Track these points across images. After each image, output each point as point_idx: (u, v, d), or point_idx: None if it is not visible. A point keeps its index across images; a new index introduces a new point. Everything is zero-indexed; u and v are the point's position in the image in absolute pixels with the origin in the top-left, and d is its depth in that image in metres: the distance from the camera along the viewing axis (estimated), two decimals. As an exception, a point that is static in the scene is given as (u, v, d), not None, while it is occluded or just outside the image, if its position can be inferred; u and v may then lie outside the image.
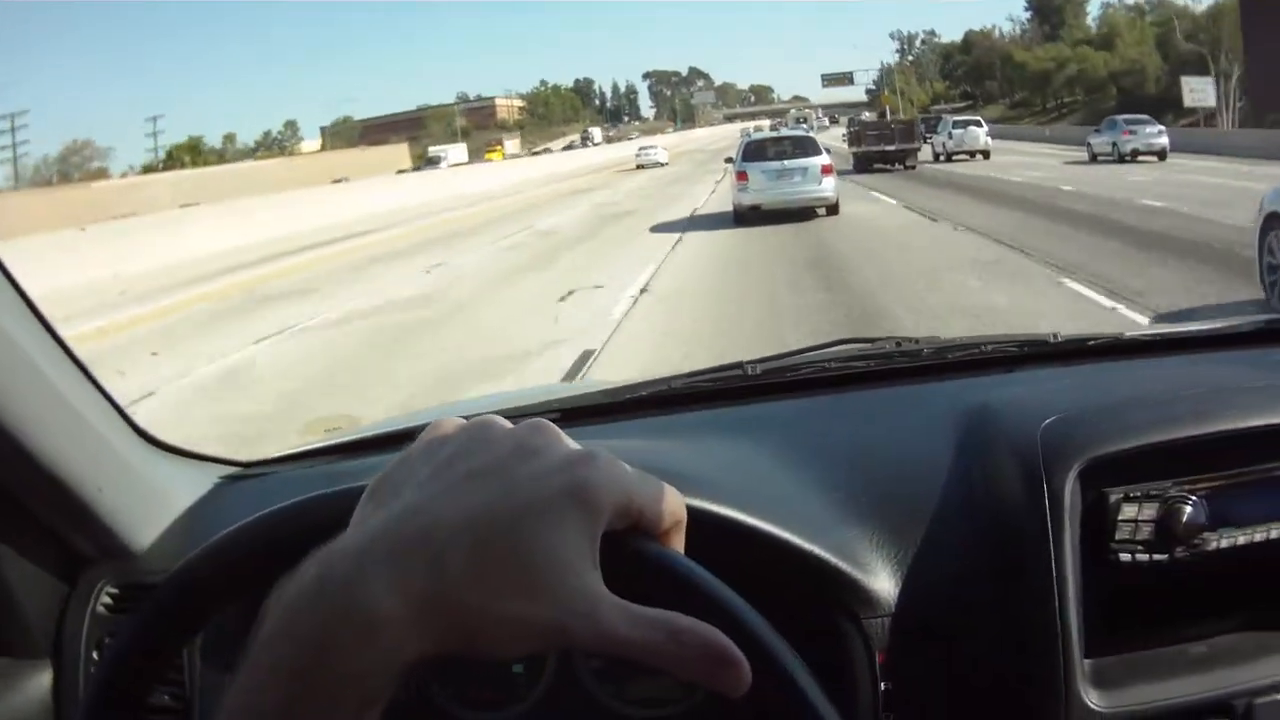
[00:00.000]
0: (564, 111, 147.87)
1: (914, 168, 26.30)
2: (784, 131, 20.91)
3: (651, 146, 49.81)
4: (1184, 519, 0.83)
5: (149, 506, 1.02)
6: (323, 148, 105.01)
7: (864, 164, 27.15)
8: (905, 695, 0.82)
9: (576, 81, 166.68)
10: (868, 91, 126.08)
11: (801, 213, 14.10)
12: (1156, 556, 0.83)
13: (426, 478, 0.41)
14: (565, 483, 0.39)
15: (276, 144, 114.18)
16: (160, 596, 0.53)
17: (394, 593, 0.37)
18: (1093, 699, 0.80)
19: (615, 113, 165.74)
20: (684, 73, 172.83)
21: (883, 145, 27.06)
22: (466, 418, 0.45)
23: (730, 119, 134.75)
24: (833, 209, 14.68)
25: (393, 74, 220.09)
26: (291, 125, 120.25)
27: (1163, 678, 0.82)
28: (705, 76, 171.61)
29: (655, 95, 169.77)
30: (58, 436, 0.89)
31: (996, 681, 0.83)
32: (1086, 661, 0.81)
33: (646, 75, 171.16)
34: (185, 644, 0.60)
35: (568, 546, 0.38)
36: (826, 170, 14.50)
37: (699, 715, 0.88)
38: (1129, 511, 0.83)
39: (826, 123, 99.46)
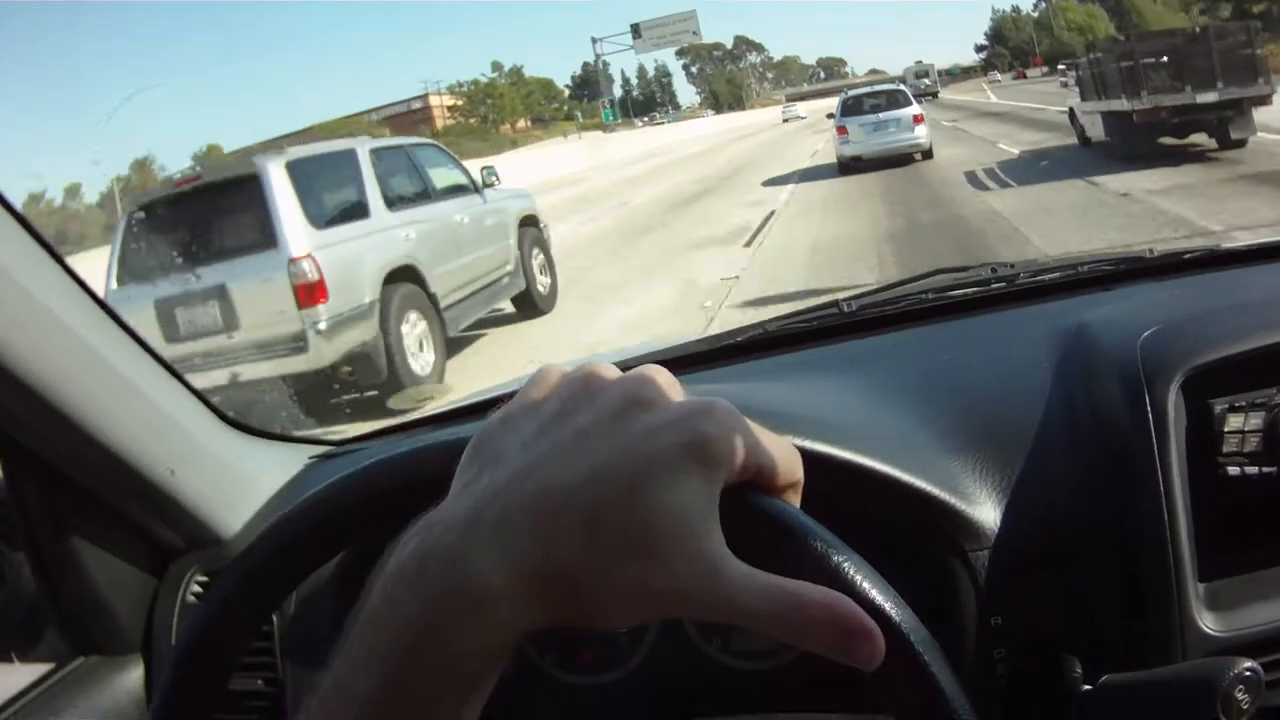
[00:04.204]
0: (529, 105, 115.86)
1: (1243, 143, 13.04)
2: (877, 87, 21.76)
3: (794, 106, 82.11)
4: None
5: (235, 492, 1.15)
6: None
7: (1139, 140, 13.17)
8: (1017, 627, 0.92)
9: (585, 65, 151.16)
10: (979, 48, 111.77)
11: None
12: (1266, 469, 0.92)
13: (532, 436, 0.44)
14: (682, 437, 0.41)
15: (129, 189, 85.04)
16: (237, 567, 0.60)
17: (502, 567, 0.40)
18: (1208, 623, 0.88)
19: (644, 102, 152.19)
20: (729, 45, 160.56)
21: (1193, 91, 12.53)
22: None
23: (795, 99, 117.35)
24: (927, 154, 18.66)
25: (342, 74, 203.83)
26: (143, 164, 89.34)
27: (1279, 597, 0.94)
28: (758, 47, 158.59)
29: (694, 76, 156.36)
30: (126, 424, 1.00)
31: (1109, 609, 0.92)
32: (1200, 585, 0.90)
33: (680, 52, 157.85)
34: (267, 612, 0.68)
35: (686, 507, 0.41)
36: (918, 119, 18.49)
37: (807, 664, 0.95)
38: (1235, 422, 0.93)
39: (997, 78, 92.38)
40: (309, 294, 6.51)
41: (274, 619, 1.09)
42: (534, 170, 36.32)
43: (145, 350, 1.09)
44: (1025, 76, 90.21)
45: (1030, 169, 15.08)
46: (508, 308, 9.57)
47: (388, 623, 0.40)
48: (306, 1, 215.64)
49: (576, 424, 0.43)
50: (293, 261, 6.54)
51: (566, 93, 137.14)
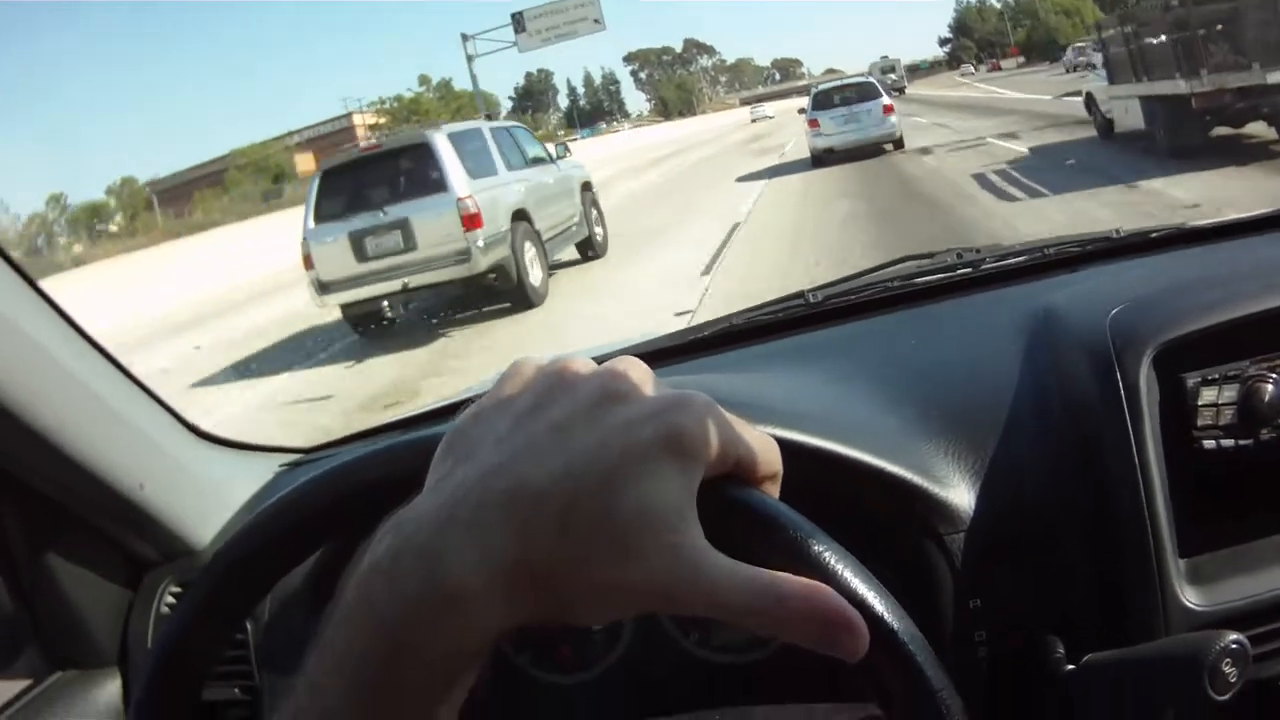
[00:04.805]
0: (454, 119, 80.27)
1: None
2: (847, 80, 19.86)
3: (762, 106, 71.33)
4: (1266, 398, 0.82)
5: (206, 503, 1.08)
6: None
7: (1191, 131, 9.48)
8: (996, 610, 0.82)
9: (529, 76, 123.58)
10: (943, 41, 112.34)
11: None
12: (1241, 441, 0.83)
13: (506, 431, 0.40)
14: (659, 431, 0.38)
15: (43, 229, 75.66)
16: (206, 576, 0.58)
17: (478, 566, 0.36)
18: (1190, 598, 0.79)
19: (591, 112, 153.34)
20: (678, 48, 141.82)
21: (1262, 69, 8.23)
22: None
23: (752, 101, 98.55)
24: (898, 144, 16.99)
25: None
26: (57, 200, 79.45)
27: (1262, 569, 0.81)
28: (709, 50, 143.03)
29: (643, 83, 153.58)
30: (96, 439, 0.94)
31: (1089, 589, 0.81)
32: (1181, 560, 0.79)
33: (628, 59, 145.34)
34: (239, 619, 0.62)
35: (665, 501, 0.37)
36: (888, 110, 17.10)
37: (789, 656, 0.87)
38: (1208, 395, 0.84)
39: (970, 70, 74.79)
40: (471, 221, 7.92)
41: (249, 627, 0.98)
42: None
43: (114, 365, 0.98)
44: (1000, 69, 73.37)
45: (1056, 171, 10.22)
46: (571, 254, 10.44)
47: (363, 623, 0.36)
48: (217, 21, 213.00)
49: (551, 418, 0.39)
50: (459, 200, 7.94)
51: (510, 105, 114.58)
